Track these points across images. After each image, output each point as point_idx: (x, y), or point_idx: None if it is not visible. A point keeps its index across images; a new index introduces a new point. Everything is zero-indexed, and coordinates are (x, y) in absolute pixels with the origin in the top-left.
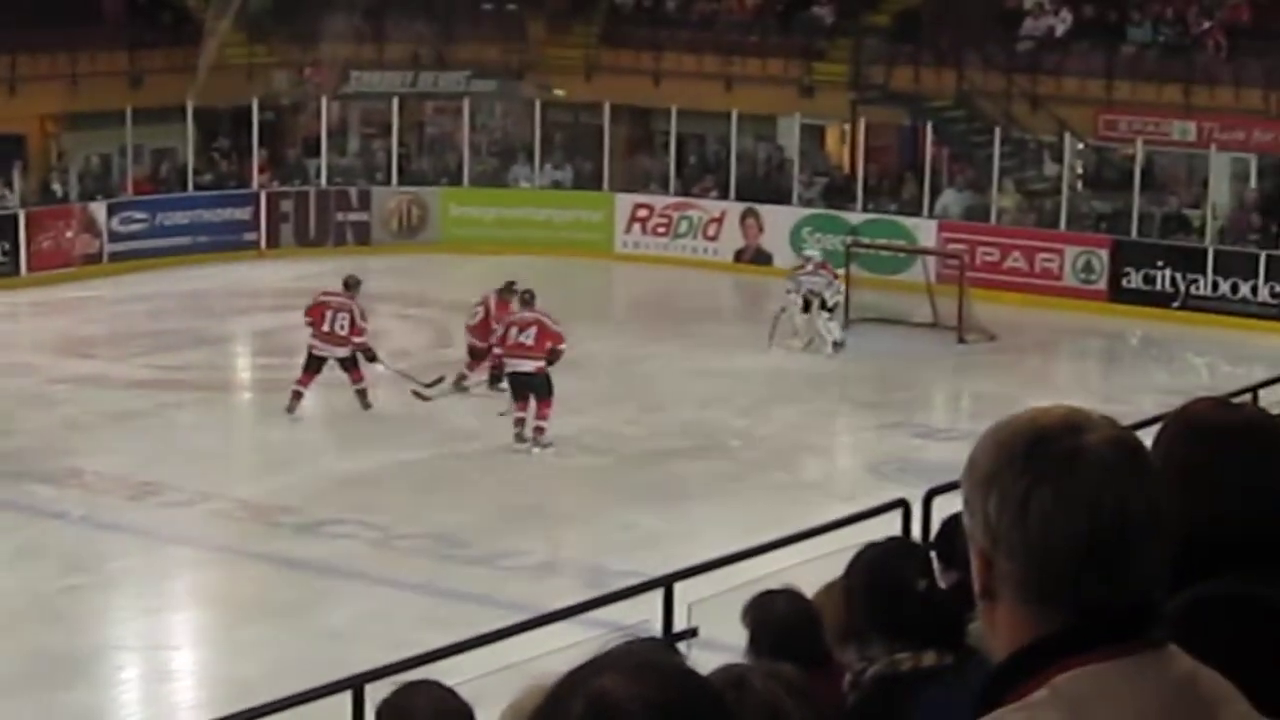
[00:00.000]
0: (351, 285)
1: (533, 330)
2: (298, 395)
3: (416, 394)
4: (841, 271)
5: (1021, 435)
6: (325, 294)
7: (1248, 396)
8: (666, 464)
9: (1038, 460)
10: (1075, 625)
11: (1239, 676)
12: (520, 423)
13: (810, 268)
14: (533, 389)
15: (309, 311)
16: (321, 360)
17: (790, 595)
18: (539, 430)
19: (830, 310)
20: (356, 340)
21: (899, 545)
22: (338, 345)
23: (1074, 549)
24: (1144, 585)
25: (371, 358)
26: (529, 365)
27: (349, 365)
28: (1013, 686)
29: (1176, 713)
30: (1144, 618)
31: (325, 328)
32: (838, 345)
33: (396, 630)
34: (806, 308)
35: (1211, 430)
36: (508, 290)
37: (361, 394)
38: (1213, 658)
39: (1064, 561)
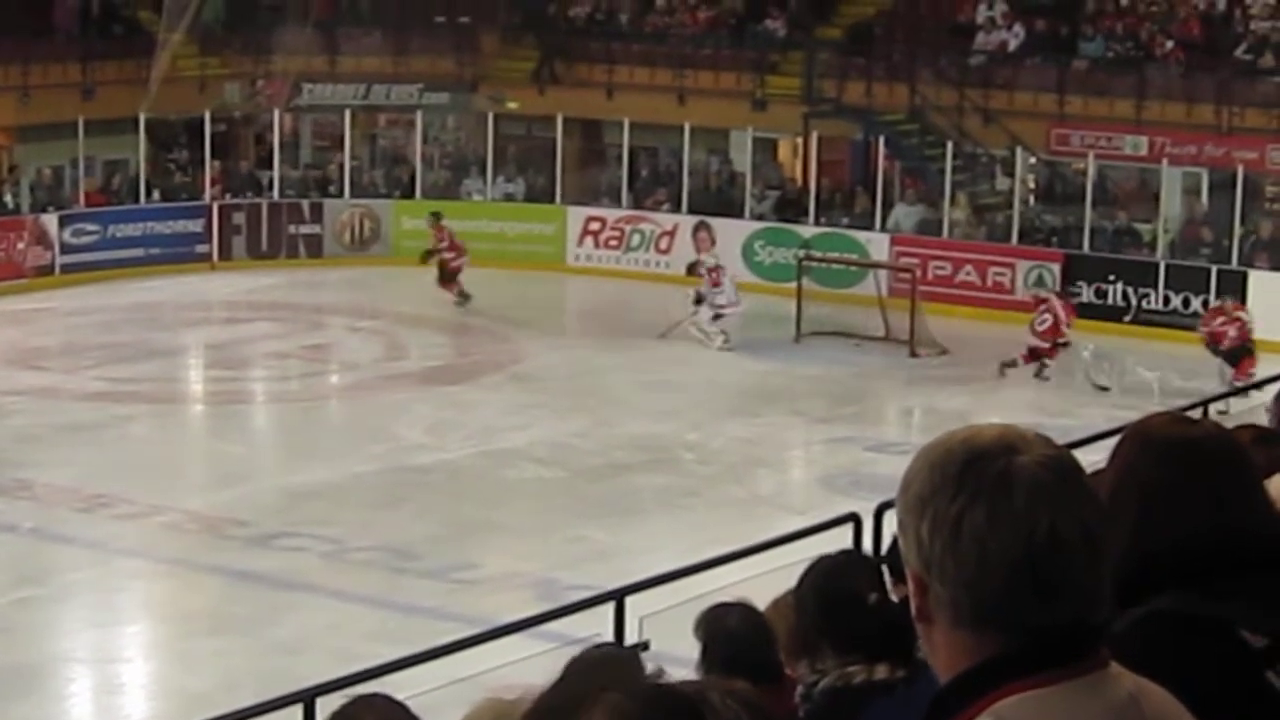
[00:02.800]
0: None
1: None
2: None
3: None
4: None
5: (954, 457)
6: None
7: (1199, 411)
8: (619, 478)
9: (970, 482)
10: (1014, 649)
11: (1186, 693)
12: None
13: (701, 272)
14: None
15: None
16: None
17: (744, 609)
18: None
19: (716, 314)
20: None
21: (850, 558)
22: None
23: (1007, 572)
24: (1080, 607)
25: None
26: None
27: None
28: (954, 712)
29: None
30: (1084, 639)
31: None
32: (728, 340)
33: (348, 643)
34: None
35: (1171, 445)
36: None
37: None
38: (1160, 675)
39: (998, 585)
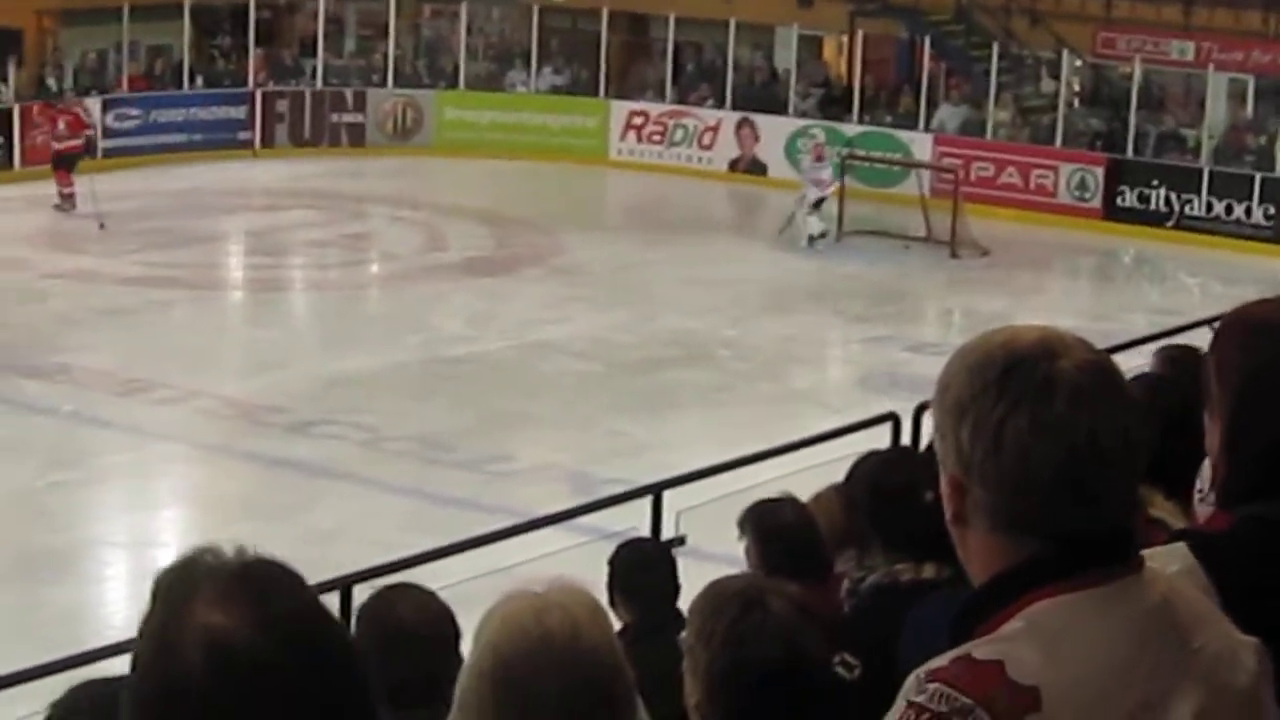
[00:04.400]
0: None
1: None
2: None
3: None
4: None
5: (994, 360)
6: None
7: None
8: (657, 373)
9: (1013, 388)
10: (1049, 554)
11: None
12: None
13: (811, 145)
14: None
15: None
16: None
17: (795, 504)
18: None
19: (815, 205)
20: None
21: (904, 454)
22: None
23: (1049, 478)
24: (1117, 512)
25: None
26: None
27: None
28: (987, 615)
29: (1151, 640)
30: (1118, 544)
31: None
32: (812, 239)
33: (384, 532)
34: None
35: (1269, 331)
36: None
37: None
38: (1250, 583)
39: (1039, 491)
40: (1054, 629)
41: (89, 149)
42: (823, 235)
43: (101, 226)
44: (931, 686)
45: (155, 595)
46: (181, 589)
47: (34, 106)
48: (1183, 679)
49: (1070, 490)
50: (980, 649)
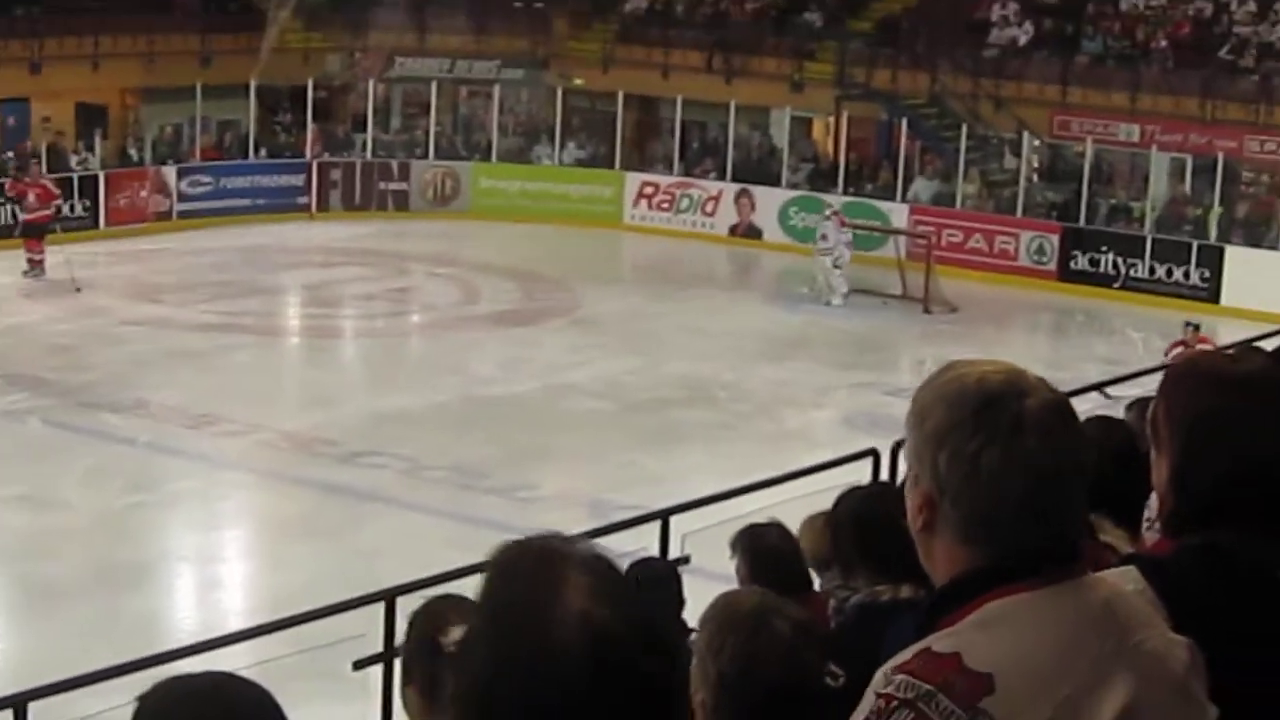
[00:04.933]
0: None
1: None
2: None
3: None
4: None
5: (969, 397)
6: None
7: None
8: (664, 411)
9: (987, 424)
10: (1007, 561)
11: (1217, 631)
12: None
13: (828, 213)
14: None
15: None
16: None
17: (780, 528)
18: None
19: (837, 265)
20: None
21: (885, 489)
22: None
23: (1017, 503)
24: (1071, 531)
25: None
26: None
27: None
28: (947, 612)
29: (1093, 634)
30: (1067, 554)
31: None
32: (846, 296)
33: (424, 550)
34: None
35: (1237, 381)
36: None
37: None
38: (1193, 608)
39: (1008, 515)
40: (1007, 622)
41: (57, 218)
42: (847, 295)
43: (78, 290)
44: (898, 678)
45: (505, 570)
46: (549, 569)
47: (5, 182)
48: (1121, 668)
49: (1034, 514)
50: (939, 642)
